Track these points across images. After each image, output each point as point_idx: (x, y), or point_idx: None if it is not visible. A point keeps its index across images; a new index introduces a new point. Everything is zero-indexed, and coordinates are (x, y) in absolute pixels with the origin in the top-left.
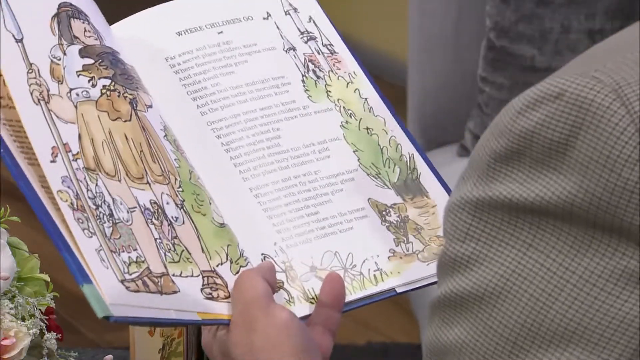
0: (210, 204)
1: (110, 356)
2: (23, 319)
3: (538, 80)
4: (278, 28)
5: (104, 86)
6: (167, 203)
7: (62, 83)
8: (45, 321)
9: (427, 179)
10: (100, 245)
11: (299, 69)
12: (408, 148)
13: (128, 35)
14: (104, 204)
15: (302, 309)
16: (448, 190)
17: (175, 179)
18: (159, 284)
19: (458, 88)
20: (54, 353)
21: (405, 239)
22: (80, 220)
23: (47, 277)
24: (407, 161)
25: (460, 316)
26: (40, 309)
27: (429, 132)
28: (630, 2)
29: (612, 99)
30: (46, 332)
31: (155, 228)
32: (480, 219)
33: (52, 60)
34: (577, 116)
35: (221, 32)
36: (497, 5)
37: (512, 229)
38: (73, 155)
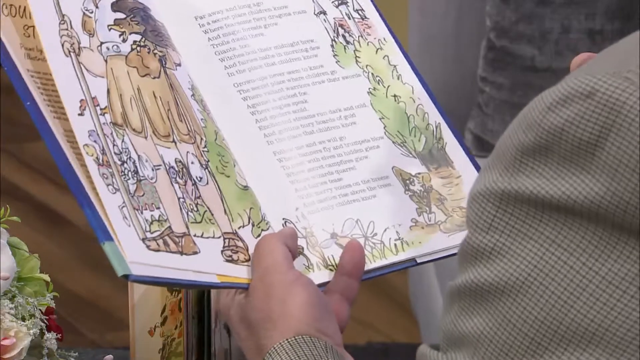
0: (234, 166)
1: (110, 356)
2: (23, 319)
3: (538, 80)
4: None
5: (134, 41)
6: (192, 163)
7: (93, 36)
8: (46, 321)
9: (453, 149)
10: (124, 202)
11: (328, 33)
12: (435, 117)
13: None
14: (130, 160)
15: (321, 275)
16: (473, 161)
17: (201, 139)
18: (180, 244)
19: (458, 88)
20: (54, 353)
21: (428, 209)
22: (105, 176)
23: (47, 277)
24: (433, 130)
25: (480, 307)
26: (40, 309)
27: None
28: (630, 2)
29: None
30: (46, 332)
31: (179, 187)
32: (505, 211)
33: (84, 13)
34: (608, 117)
35: None
36: (497, 5)
37: (536, 223)
38: (101, 109)
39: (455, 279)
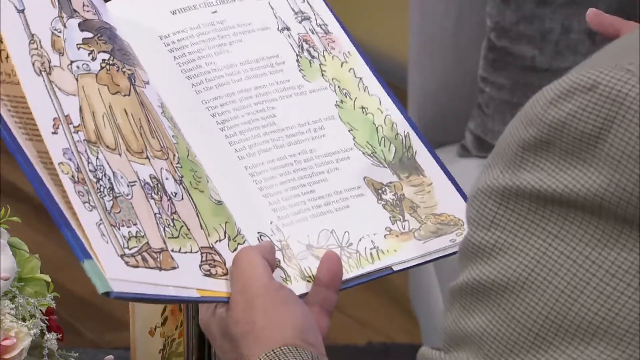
0: (207, 181)
1: (111, 357)
2: (24, 320)
3: (539, 81)
4: (272, 8)
5: (103, 60)
6: (167, 178)
7: (62, 55)
8: (46, 321)
9: (423, 157)
10: (101, 219)
11: (293, 48)
12: (403, 127)
13: (123, 13)
14: (105, 177)
15: (299, 287)
16: (444, 168)
17: (174, 155)
18: (158, 259)
19: (458, 88)
20: (54, 353)
21: (401, 217)
22: (81, 194)
23: (47, 278)
24: (402, 139)
25: (482, 304)
26: (40, 310)
27: (429, 133)
28: (631, 2)
29: None
30: (47, 333)
31: (155, 203)
32: (506, 207)
33: (52, 32)
34: (611, 109)
35: (215, 11)
36: (498, 6)
37: (538, 218)
38: (74, 127)
39: (456, 279)
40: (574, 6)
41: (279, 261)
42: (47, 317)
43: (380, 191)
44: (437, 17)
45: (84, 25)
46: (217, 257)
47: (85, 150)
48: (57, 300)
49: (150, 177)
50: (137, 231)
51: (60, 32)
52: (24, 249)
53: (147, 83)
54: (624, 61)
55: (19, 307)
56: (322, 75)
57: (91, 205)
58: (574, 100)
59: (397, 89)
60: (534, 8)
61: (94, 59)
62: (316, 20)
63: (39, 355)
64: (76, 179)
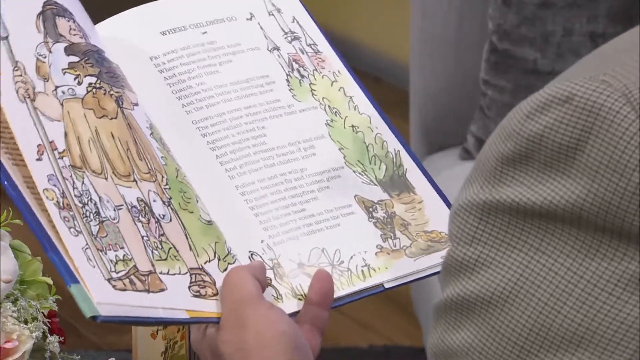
0: (197, 201)
1: (113, 359)
2: (25, 322)
3: (541, 83)
4: (262, 28)
5: (89, 84)
6: (154, 201)
7: (47, 81)
8: (48, 324)
9: (414, 175)
10: (87, 244)
11: (283, 68)
12: (394, 145)
13: (112, 35)
14: (91, 202)
15: (291, 305)
16: (434, 185)
17: (162, 176)
18: (146, 282)
19: (460, 91)
20: (56, 356)
21: (392, 234)
22: (67, 219)
23: (49, 280)
24: (393, 158)
25: (467, 320)
26: (42, 312)
27: (431, 135)
28: (632, 5)
29: (622, 104)
30: (48, 335)
31: (142, 226)
32: (487, 222)
33: (37, 58)
34: (587, 120)
35: (205, 32)
36: (499, 8)
37: (519, 232)
38: (59, 153)
39: (441, 296)
40: (575, 8)
41: (270, 280)
42: (49, 320)
43: (371, 209)
44: (438, 19)
45: (70, 50)
46: (206, 278)
47: (71, 176)
48: (59, 302)
49: (138, 200)
50: (124, 255)
51: (45, 57)
52: (25, 252)
53: (136, 105)
54: (599, 72)
55: (20, 309)
56: (312, 94)
57: (77, 231)
58: (550, 113)
59: (399, 91)
60: (535, 10)
61: (79, 83)
62: (306, 39)
63: (41, 358)
64: (61, 204)
